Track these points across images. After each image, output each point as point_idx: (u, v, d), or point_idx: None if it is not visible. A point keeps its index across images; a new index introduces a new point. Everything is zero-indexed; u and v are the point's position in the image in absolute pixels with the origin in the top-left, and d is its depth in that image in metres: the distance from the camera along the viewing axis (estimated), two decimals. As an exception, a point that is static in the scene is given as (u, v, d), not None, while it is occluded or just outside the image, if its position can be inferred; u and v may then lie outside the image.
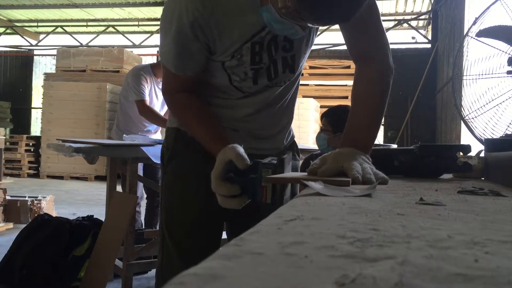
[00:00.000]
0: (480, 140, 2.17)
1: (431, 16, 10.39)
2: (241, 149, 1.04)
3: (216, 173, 1.05)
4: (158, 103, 3.68)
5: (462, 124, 3.17)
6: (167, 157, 1.44)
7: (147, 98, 3.55)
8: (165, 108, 3.69)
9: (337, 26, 1.32)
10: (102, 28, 12.81)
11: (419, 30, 10.96)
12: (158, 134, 3.91)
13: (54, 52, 12.04)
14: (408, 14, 10.95)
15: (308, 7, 0.97)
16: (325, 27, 10.30)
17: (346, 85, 10.23)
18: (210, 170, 1.06)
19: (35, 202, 5.04)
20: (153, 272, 3.06)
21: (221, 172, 1.05)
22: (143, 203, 3.84)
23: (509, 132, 2.05)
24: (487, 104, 2.25)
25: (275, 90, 1.36)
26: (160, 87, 3.63)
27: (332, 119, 2.65)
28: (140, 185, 3.57)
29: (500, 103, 2.21)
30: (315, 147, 3.04)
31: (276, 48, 1.27)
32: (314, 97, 9.98)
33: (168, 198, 1.43)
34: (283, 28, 1.12)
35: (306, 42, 1.32)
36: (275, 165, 1.03)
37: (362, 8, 0.99)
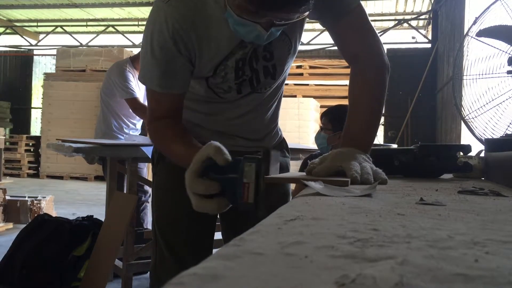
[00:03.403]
0: (480, 140, 2.17)
1: (431, 16, 10.38)
2: (221, 145, 0.93)
3: (192, 170, 0.93)
4: (141, 95, 3.52)
5: (462, 124, 3.17)
6: (156, 158, 1.45)
7: (138, 96, 3.42)
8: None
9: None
10: (102, 28, 12.79)
11: (419, 30, 10.94)
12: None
13: (54, 52, 12.04)
14: (408, 14, 10.94)
15: None
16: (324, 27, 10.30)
17: (346, 85, 10.08)
18: None
19: (35, 202, 5.04)
20: (153, 272, 3.05)
21: (198, 170, 0.93)
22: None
23: (509, 132, 2.05)
24: (487, 104, 2.25)
25: (257, 96, 1.37)
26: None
27: (333, 117, 2.65)
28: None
29: (501, 103, 2.20)
30: (315, 147, 3.04)
31: (257, 59, 1.28)
32: (314, 97, 9.97)
33: (158, 199, 1.44)
34: (247, 31, 1.09)
35: (288, 50, 1.32)
36: (259, 159, 0.89)
37: None
